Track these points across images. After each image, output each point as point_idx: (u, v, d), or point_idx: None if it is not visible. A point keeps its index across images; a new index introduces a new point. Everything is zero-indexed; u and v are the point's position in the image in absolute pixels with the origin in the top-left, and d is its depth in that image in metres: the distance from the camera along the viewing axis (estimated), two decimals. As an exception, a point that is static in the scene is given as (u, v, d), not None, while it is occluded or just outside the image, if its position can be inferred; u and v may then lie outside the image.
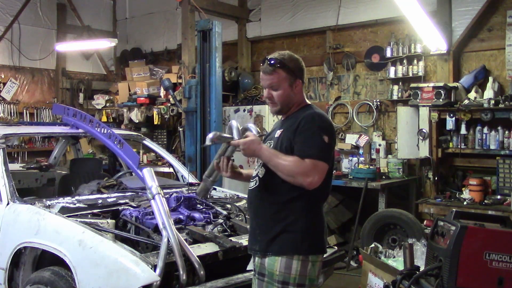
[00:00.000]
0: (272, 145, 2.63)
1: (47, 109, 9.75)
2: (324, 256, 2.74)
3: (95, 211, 3.73)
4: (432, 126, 6.14)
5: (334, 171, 6.79)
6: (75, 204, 3.76)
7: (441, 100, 6.06)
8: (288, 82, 2.60)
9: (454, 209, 3.01)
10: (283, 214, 2.53)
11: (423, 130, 6.17)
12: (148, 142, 5.42)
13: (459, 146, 5.98)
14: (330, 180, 2.64)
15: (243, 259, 3.27)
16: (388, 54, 6.99)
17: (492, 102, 5.74)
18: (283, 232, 2.52)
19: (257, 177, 2.66)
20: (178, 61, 8.15)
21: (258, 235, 2.60)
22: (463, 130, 5.93)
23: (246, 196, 4.42)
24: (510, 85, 5.98)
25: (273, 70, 2.58)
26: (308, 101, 2.73)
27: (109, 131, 4.37)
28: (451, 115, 5.95)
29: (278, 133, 2.64)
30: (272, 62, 2.57)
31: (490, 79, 6.10)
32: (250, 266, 2.80)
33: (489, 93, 5.99)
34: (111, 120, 9.78)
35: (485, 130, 5.80)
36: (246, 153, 2.56)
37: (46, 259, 3.48)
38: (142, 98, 9.03)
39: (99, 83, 10.67)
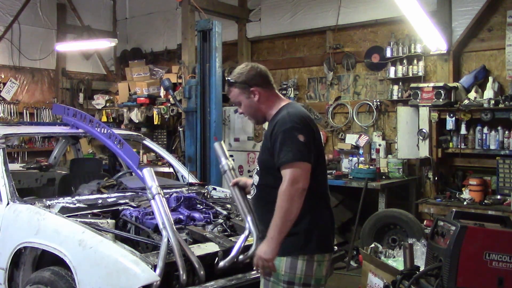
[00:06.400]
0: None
1: (47, 109, 9.75)
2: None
3: (95, 211, 3.73)
4: (432, 126, 6.14)
5: (334, 171, 6.91)
6: (75, 204, 3.76)
7: (441, 100, 6.05)
8: (244, 96, 2.69)
9: (454, 209, 3.02)
10: None
11: (423, 130, 6.17)
12: (148, 142, 5.42)
13: (459, 146, 5.98)
14: (322, 174, 2.64)
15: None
16: (388, 54, 6.99)
17: (492, 102, 5.74)
18: (288, 234, 2.49)
19: (254, 185, 2.70)
20: (178, 61, 8.15)
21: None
22: (463, 130, 5.93)
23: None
24: (510, 85, 5.98)
25: (228, 89, 2.75)
26: (284, 102, 2.72)
27: (109, 131, 4.38)
28: (451, 115, 5.95)
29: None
30: (228, 81, 2.73)
31: (490, 79, 6.10)
32: None
33: (489, 93, 5.99)
34: (111, 120, 9.78)
35: (485, 130, 5.80)
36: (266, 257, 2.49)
37: (46, 259, 3.48)
38: (142, 98, 9.02)
39: (99, 83, 10.67)
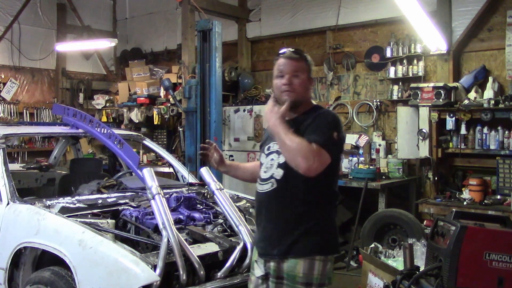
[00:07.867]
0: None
1: (47, 109, 9.76)
2: None
3: (95, 211, 3.73)
4: (432, 126, 6.14)
5: (335, 171, 6.90)
6: (75, 204, 3.76)
7: (441, 100, 6.05)
8: (307, 75, 2.62)
9: (454, 209, 3.02)
10: (305, 216, 2.49)
11: (423, 130, 6.17)
12: (148, 142, 5.42)
13: (459, 146, 5.98)
14: (337, 179, 2.66)
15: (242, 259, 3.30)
16: (388, 54, 6.99)
17: (492, 102, 5.74)
18: (306, 234, 2.48)
19: (273, 179, 2.55)
20: (178, 61, 8.15)
21: (277, 239, 2.52)
22: (463, 130, 5.93)
23: (246, 196, 4.45)
24: (510, 85, 5.98)
25: (299, 58, 2.60)
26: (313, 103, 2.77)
27: (109, 131, 4.38)
28: (451, 115, 5.95)
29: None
30: (299, 51, 2.64)
31: (490, 79, 6.10)
32: (258, 272, 2.65)
33: (489, 93, 5.99)
34: (111, 120, 9.78)
35: (485, 130, 5.80)
36: (268, 118, 2.49)
37: (46, 259, 3.48)
38: (142, 98, 9.03)
39: (99, 83, 10.67)
